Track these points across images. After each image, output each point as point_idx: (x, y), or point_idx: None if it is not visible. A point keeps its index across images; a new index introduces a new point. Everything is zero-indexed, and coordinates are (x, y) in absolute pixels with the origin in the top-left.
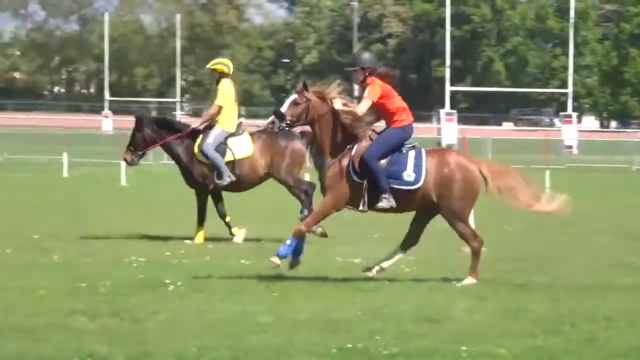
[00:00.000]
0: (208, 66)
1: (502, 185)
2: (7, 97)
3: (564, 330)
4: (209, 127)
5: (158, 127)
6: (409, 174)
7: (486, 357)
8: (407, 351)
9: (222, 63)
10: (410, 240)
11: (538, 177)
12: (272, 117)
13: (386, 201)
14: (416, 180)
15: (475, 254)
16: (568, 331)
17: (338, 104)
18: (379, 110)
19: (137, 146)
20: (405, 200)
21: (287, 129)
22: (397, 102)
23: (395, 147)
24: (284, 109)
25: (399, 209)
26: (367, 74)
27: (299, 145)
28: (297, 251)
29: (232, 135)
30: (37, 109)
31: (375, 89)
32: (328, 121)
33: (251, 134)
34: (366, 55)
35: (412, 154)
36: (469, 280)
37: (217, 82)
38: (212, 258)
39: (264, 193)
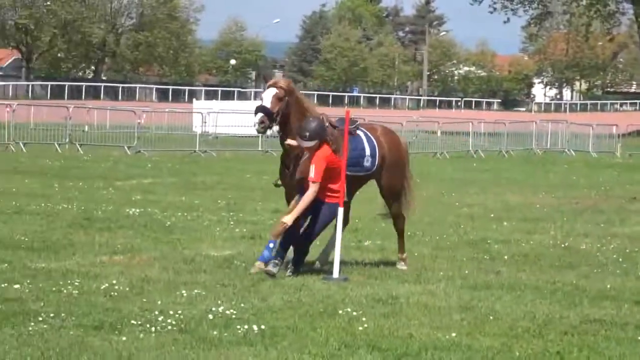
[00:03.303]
0: None
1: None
2: None
3: None
4: None
5: None
6: (367, 159)
7: None
8: None
9: None
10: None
11: None
12: (260, 116)
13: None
14: (372, 165)
15: (401, 233)
16: None
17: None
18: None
19: None
20: (359, 183)
21: (274, 127)
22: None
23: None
24: (266, 104)
25: (352, 191)
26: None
27: None
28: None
29: None
30: None
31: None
32: (296, 112)
33: None
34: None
35: (362, 135)
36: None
37: None
38: None
39: None
